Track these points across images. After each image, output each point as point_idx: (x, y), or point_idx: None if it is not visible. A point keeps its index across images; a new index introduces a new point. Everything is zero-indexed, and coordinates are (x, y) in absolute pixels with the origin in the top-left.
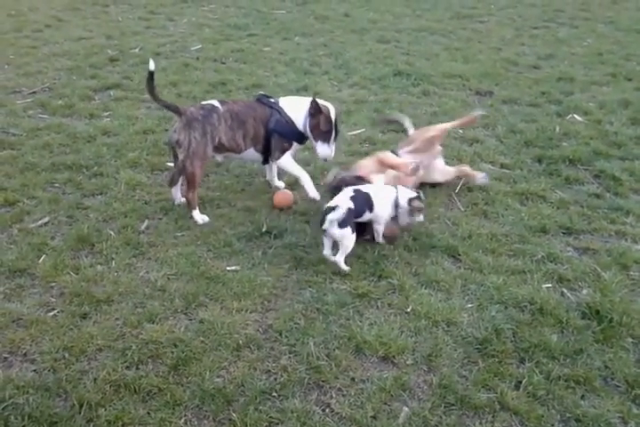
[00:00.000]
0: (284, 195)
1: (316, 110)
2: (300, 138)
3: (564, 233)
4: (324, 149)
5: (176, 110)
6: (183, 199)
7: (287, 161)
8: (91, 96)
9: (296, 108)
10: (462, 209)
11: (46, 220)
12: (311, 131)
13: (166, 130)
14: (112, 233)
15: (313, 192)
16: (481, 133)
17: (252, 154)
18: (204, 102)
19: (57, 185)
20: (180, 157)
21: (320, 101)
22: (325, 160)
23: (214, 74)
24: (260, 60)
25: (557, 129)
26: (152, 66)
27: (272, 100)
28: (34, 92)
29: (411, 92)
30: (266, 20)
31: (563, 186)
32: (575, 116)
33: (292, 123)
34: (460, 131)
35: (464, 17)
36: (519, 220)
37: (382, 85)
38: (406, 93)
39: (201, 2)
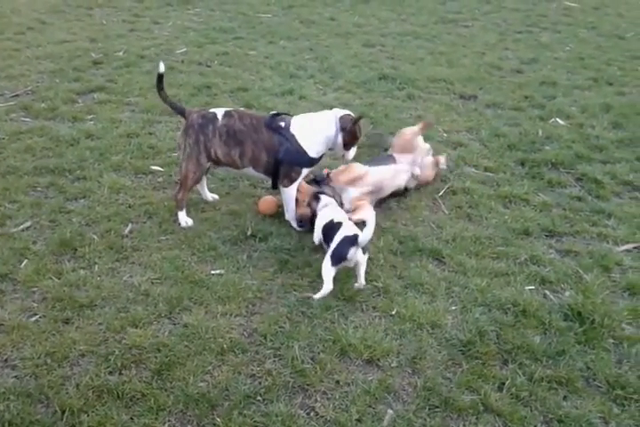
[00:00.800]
0: (268, 202)
1: (353, 123)
2: (311, 164)
3: (546, 236)
4: (353, 152)
5: (182, 113)
6: (213, 195)
7: (291, 194)
8: (74, 99)
9: (310, 135)
10: (446, 212)
11: (28, 224)
12: (345, 144)
13: (150, 133)
14: (95, 237)
15: (294, 224)
16: (465, 137)
17: (254, 173)
18: (211, 109)
19: (39, 189)
20: (180, 158)
21: (342, 112)
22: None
23: (199, 77)
24: (245, 63)
25: (540, 133)
26: (162, 68)
27: (282, 125)
28: (16, 95)
29: (396, 96)
30: (251, 24)
31: (545, 189)
32: (557, 119)
33: (304, 152)
34: (445, 135)
35: (449, 21)
36: (502, 222)
37: (367, 89)
38: (391, 97)
39: (186, 5)
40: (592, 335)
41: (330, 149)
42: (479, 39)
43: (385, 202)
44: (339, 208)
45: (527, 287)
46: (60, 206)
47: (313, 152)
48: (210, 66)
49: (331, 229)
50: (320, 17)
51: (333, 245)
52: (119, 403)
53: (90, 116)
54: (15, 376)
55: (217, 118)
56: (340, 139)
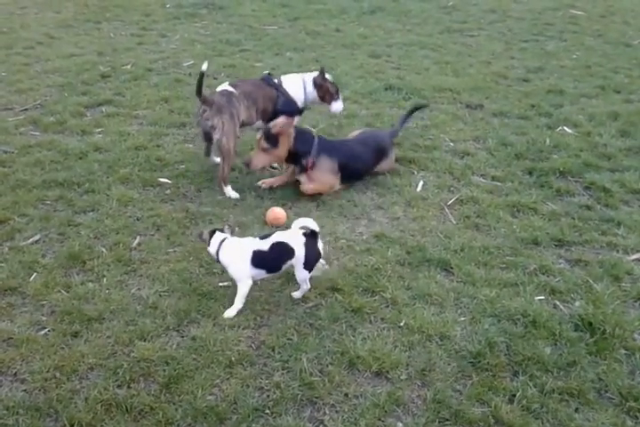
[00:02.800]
0: (276, 213)
1: (322, 80)
2: (301, 112)
3: (555, 245)
4: (338, 105)
5: (207, 102)
6: (217, 159)
7: None
8: (82, 113)
9: (296, 88)
10: (454, 222)
11: (37, 237)
12: (322, 97)
13: (158, 146)
14: (104, 250)
15: None
16: (472, 146)
17: (260, 124)
18: (218, 89)
19: (48, 202)
20: (216, 137)
21: (316, 73)
22: (338, 113)
23: (206, 89)
24: (252, 75)
25: (547, 141)
26: (205, 67)
27: (276, 82)
28: (25, 109)
29: (402, 106)
30: (257, 36)
31: (554, 198)
32: (565, 128)
33: (295, 102)
34: (452, 144)
35: (454, 31)
36: (511, 232)
37: (373, 100)
38: (397, 107)
39: (193, 18)
40: (603, 346)
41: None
42: (485, 48)
43: (392, 212)
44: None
45: (537, 297)
46: (68, 219)
47: (300, 103)
48: (217, 78)
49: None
50: (326, 28)
51: (301, 258)
52: (128, 417)
53: (98, 130)
54: (24, 390)
55: (232, 91)
56: (315, 93)
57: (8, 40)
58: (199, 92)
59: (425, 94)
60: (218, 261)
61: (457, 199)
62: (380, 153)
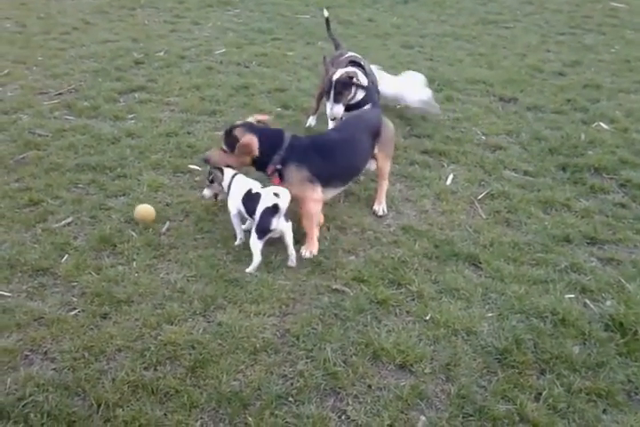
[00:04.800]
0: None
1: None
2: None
3: (587, 243)
4: (327, 107)
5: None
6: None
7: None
8: (116, 98)
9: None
10: (484, 217)
11: (70, 220)
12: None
13: (189, 133)
14: (134, 234)
15: None
16: (504, 140)
17: None
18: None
19: (81, 186)
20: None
21: (346, 69)
22: (332, 119)
23: (237, 77)
24: (283, 64)
25: (583, 137)
26: (326, 13)
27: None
28: (60, 94)
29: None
30: (290, 25)
31: (587, 195)
32: (601, 124)
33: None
34: (483, 137)
35: (489, 22)
36: (542, 228)
37: None
38: None
39: (226, 6)
40: (634, 347)
41: None
42: (520, 41)
43: (420, 205)
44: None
45: (567, 296)
46: (100, 203)
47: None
48: (248, 66)
49: (250, 200)
50: (358, 18)
51: (256, 219)
52: (153, 398)
53: (131, 115)
54: (54, 369)
55: (327, 59)
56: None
57: (45, 25)
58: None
59: (457, 86)
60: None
61: (487, 194)
62: (371, 135)
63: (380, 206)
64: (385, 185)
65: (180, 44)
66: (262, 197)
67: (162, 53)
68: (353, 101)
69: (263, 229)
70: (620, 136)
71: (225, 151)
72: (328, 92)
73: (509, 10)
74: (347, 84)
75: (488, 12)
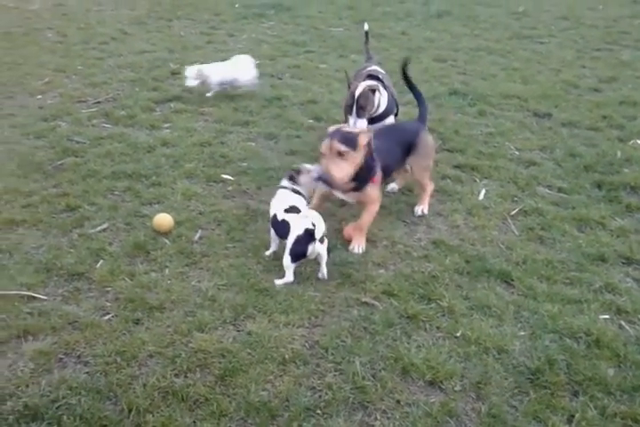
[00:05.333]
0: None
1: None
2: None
3: (623, 263)
4: (350, 122)
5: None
6: None
7: None
8: (152, 108)
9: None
10: (517, 233)
11: (105, 226)
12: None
13: (222, 143)
14: (167, 242)
15: None
16: (538, 156)
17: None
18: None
19: (117, 193)
20: None
21: (366, 82)
22: None
23: (271, 89)
24: (315, 76)
25: (619, 154)
26: (366, 27)
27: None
28: (98, 102)
29: (466, 112)
30: (323, 38)
31: (623, 213)
32: (638, 141)
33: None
34: (517, 153)
35: (523, 37)
36: (576, 247)
37: (437, 104)
38: (462, 113)
39: (261, 19)
40: None
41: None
42: (555, 56)
43: (452, 219)
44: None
45: (601, 316)
46: (135, 210)
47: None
48: (281, 78)
49: (276, 223)
50: (391, 31)
51: (289, 244)
52: (183, 405)
53: (166, 125)
54: (87, 372)
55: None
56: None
57: (85, 35)
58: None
59: (491, 100)
60: None
61: (520, 210)
62: (403, 147)
63: (420, 207)
64: (429, 190)
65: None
66: (292, 222)
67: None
68: (375, 114)
69: (297, 255)
70: None
71: (343, 154)
72: (350, 107)
73: (544, 25)
74: (368, 97)
75: (522, 27)
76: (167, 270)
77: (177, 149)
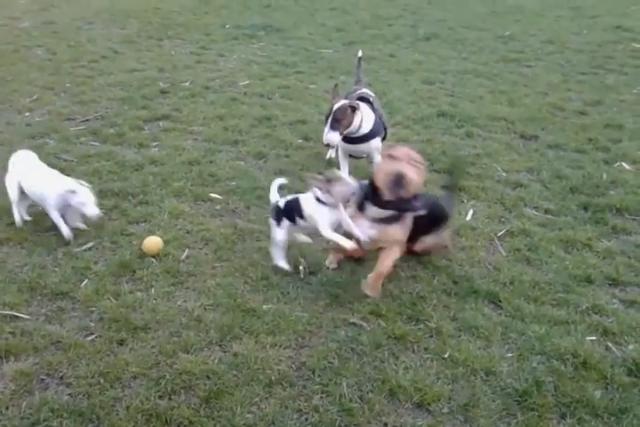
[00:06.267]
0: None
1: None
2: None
3: (609, 284)
4: (324, 133)
5: None
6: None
7: None
8: (141, 126)
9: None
10: (504, 254)
11: (91, 244)
12: None
13: (211, 161)
14: (153, 261)
15: None
16: (525, 178)
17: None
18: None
19: (103, 211)
20: None
21: (349, 101)
22: (325, 144)
23: (260, 109)
24: (305, 96)
25: (605, 176)
26: (360, 53)
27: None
28: (87, 120)
29: (454, 134)
30: (312, 59)
31: (609, 235)
32: (623, 164)
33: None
34: (504, 174)
35: (510, 61)
36: (563, 268)
37: (425, 126)
38: (449, 134)
39: (251, 39)
40: None
41: None
42: (542, 79)
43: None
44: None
45: (588, 338)
46: (122, 229)
47: None
48: (271, 98)
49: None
50: (380, 53)
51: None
52: None
53: (155, 143)
54: (69, 394)
55: (337, 87)
56: None
57: (75, 53)
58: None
59: (478, 122)
60: None
61: (507, 231)
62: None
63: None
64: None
65: (205, 74)
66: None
67: (187, 84)
68: (357, 134)
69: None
70: None
71: (417, 163)
72: (327, 118)
73: (531, 49)
74: (346, 112)
75: (509, 51)
76: (153, 290)
77: (165, 168)
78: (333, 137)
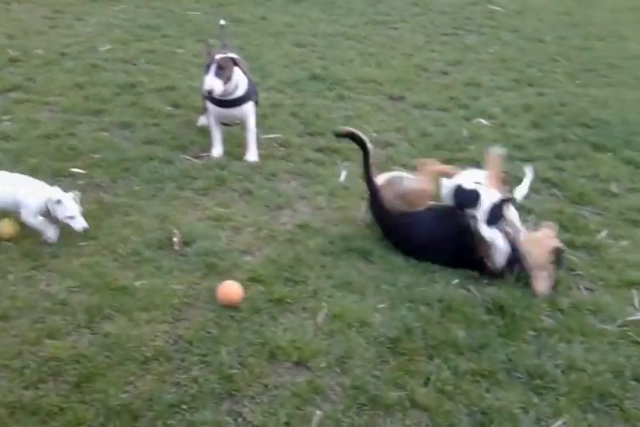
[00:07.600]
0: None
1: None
2: None
3: None
4: (205, 82)
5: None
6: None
7: None
8: None
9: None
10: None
11: None
12: None
13: (71, 134)
14: (10, 244)
15: None
16: (394, 137)
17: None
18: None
19: None
20: None
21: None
22: (207, 93)
23: (124, 75)
24: (173, 61)
25: (465, 132)
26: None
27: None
28: None
29: (326, 96)
30: (179, 22)
31: None
32: (481, 120)
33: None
34: (375, 134)
35: (378, 23)
36: None
37: (298, 89)
38: (322, 97)
39: (111, 1)
40: (513, 328)
41: None
42: (407, 41)
43: (316, 202)
44: None
45: (452, 281)
46: None
47: None
48: (135, 64)
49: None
50: (251, 15)
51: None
52: (35, 419)
53: (6, 117)
54: None
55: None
56: None
57: None
58: None
59: (349, 85)
60: None
61: None
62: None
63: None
64: None
65: (60, 40)
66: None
67: (40, 51)
68: (232, 97)
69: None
70: (499, 131)
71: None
72: (208, 67)
73: (397, 11)
74: (229, 62)
75: (377, 13)
76: (11, 276)
77: (18, 143)
78: (217, 84)
